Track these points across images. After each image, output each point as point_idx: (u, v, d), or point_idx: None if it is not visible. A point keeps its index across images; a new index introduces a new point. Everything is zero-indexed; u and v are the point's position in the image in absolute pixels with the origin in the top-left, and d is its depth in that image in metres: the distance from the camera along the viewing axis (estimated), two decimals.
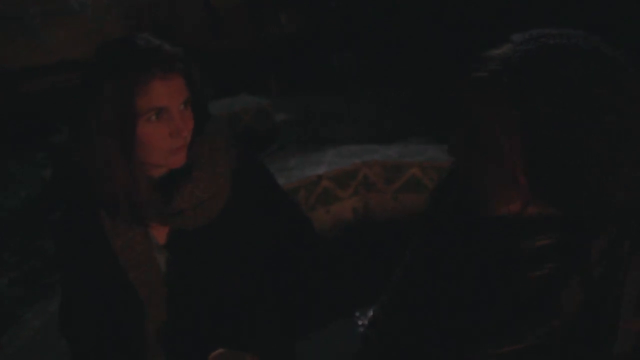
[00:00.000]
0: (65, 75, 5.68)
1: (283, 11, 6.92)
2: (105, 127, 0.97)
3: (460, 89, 0.73)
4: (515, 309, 0.72)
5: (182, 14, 6.88)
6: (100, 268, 1.10)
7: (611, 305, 0.67)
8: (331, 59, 6.84)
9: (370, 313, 0.96)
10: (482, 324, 0.74)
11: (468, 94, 0.71)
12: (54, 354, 2.25)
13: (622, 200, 0.66)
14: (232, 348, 1.01)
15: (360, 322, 2.80)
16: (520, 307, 0.72)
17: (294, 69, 6.63)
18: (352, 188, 3.45)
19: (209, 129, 1.12)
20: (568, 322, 0.69)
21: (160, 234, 1.12)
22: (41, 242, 3.32)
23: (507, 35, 0.71)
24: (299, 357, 1.29)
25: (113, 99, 0.96)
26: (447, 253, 0.81)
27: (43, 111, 5.21)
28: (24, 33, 6.09)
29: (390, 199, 3.43)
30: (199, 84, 1.07)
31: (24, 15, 6.08)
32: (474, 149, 0.72)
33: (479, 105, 0.70)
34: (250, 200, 1.15)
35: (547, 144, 0.65)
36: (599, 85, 0.64)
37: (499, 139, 0.68)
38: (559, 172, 0.66)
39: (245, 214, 1.14)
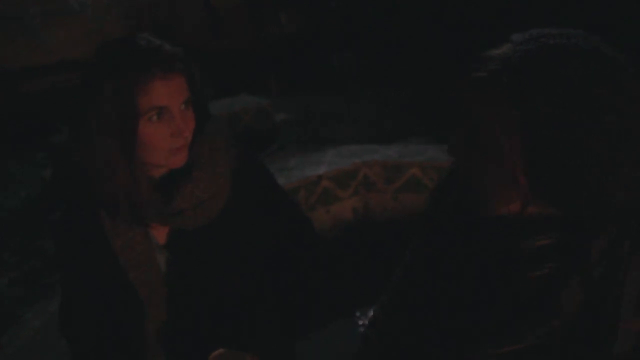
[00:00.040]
0: (65, 75, 5.68)
1: (283, 11, 6.92)
2: (105, 127, 0.97)
3: (460, 89, 0.73)
4: (515, 309, 0.72)
5: (182, 14, 6.88)
6: (100, 268, 1.10)
7: (611, 305, 0.67)
8: (331, 59, 6.84)
9: (371, 313, 0.96)
10: (482, 324, 0.74)
11: (468, 94, 0.71)
12: (54, 354, 2.25)
13: (622, 200, 0.66)
14: (232, 348, 1.01)
15: (360, 322, 2.80)
16: (520, 307, 0.72)
17: (294, 69, 6.63)
18: (352, 188, 3.45)
19: (209, 129, 1.12)
20: (568, 322, 0.69)
21: (160, 234, 1.12)
22: (41, 242, 3.32)
23: (507, 35, 0.71)
24: (299, 357, 1.29)
25: (113, 99, 0.96)
26: (447, 253, 0.81)
27: (43, 111, 5.21)
28: (24, 33, 6.09)
29: (390, 198, 3.43)
30: (199, 84, 1.07)
31: (24, 15, 6.08)
32: (474, 149, 0.72)
33: (479, 105, 0.70)
34: (250, 200, 1.15)
35: (547, 144, 0.65)
36: (599, 85, 0.64)
37: (499, 139, 0.68)
38: (559, 172, 0.66)
39: (245, 214, 1.14)
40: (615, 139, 0.64)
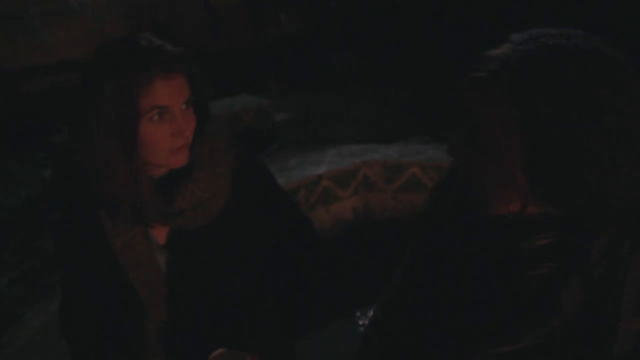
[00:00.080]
0: (65, 75, 5.68)
1: (283, 11, 6.92)
2: (106, 127, 0.97)
3: (460, 89, 0.73)
4: (515, 309, 0.72)
5: (182, 14, 6.88)
6: (100, 268, 1.10)
7: (611, 305, 0.67)
8: (331, 59, 6.84)
9: (370, 313, 0.96)
10: (482, 323, 0.74)
11: (468, 94, 0.71)
12: (54, 354, 2.25)
13: (622, 200, 0.67)
14: (232, 348, 1.01)
15: (360, 322, 2.80)
16: (520, 307, 0.72)
17: (294, 69, 6.63)
18: (352, 188, 3.45)
19: (209, 129, 1.12)
20: (568, 322, 0.69)
21: (160, 234, 1.12)
22: (41, 242, 3.32)
23: (507, 35, 0.71)
24: (299, 357, 1.29)
25: (114, 99, 0.96)
26: (447, 253, 0.81)
27: (43, 111, 5.21)
28: (24, 33, 6.09)
29: (391, 198, 3.43)
30: (200, 84, 1.07)
31: (24, 15, 6.08)
32: (474, 149, 0.72)
33: (479, 105, 0.70)
34: (250, 200, 1.15)
35: (547, 144, 0.65)
36: (599, 85, 0.64)
37: (499, 139, 0.68)
38: (559, 172, 0.66)
39: (245, 213, 1.14)
40: (615, 139, 0.64)
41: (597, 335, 0.68)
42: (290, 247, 1.23)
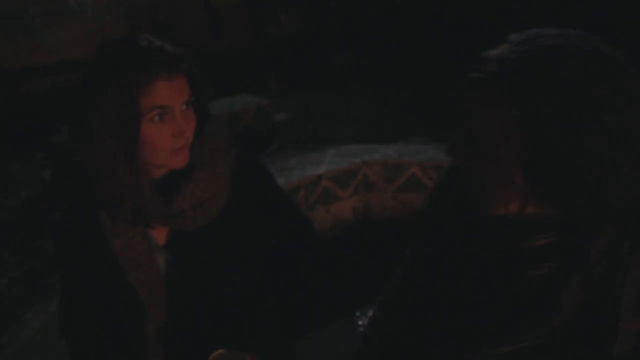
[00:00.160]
0: (65, 75, 5.67)
1: (283, 11, 6.92)
2: (107, 127, 0.97)
3: (460, 89, 0.73)
4: (515, 309, 0.72)
5: (182, 14, 6.88)
6: (100, 268, 1.10)
7: (611, 305, 0.67)
8: (331, 59, 6.84)
9: (370, 313, 0.96)
10: (482, 323, 0.74)
11: (468, 94, 0.71)
12: (54, 354, 2.24)
13: (622, 200, 0.66)
14: (232, 348, 1.01)
15: (360, 322, 2.80)
16: (520, 307, 0.72)
17: (294, 69, 6.62)
18: (352, 187, 3.45)
19: (209, 129, 1.12)
20: (568, 322, 0.69)
21: (159, 235, 1.12)
22: (41, 242, 3.32)
23: (506, 36, 0.71)
24: (299, 357, 1.29)
25: (114, 99, 0.96)
26: (447, 253, 0.81)
27: (43, 111, 5.20)
28: (24, 33, 6.09)
29: (391, 198, 3.43)
30: (200, 84, 1.07)
31: (24, 15, 6.08)
32: (474, 149, 0.72)
33: (479, 105, 0.70)
34: (250, 200, 1.15)
35: (547, 144, 0.65)
36: (599, 85, 0.64)
37: (498, 138, 0.68)
38: (559, 172, 0.66)
39: (245, 214, 1.14)
40: (615, 139, 0.64)
41: (597, 335, 0.68)
42: (290, 247, 1.23)
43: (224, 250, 1.12)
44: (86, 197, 1.08)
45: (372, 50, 6.59)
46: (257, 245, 1.17)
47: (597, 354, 0.68)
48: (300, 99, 5.86)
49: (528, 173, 0.68)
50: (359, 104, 5.58)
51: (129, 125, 0.97)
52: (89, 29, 6.27)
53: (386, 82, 5.97)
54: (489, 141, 0.69)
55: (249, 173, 1.16)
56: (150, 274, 1.10)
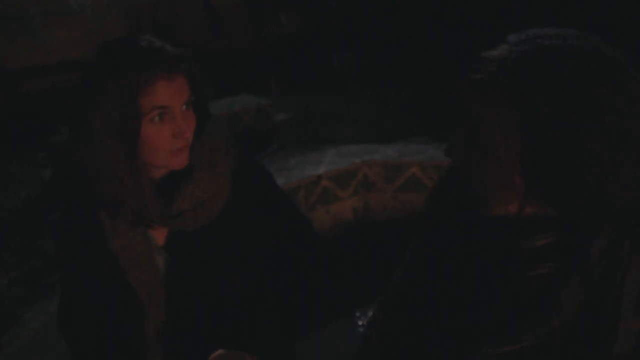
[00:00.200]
0: (65, 75, 5.67)
1: (283, 11, 6.92)
2: (107, 127, 0.97)
3: (460, 89, 0.73)
4: (515, 309, 0.72)
5: (182, 14, 6.88)
6: (100, 268, 1.10)
7: (611, 305, 0.67)
8: (331, 59, 6.84)
9: (370, 313, 0.96)
10: (482, 323, 0.74)
11: (468, 94, 0.71)
12: (54, 354, 2.24)
13: (622, 200, 0.66)
14: (232, 348, 1.01)
15: (360, 322, 2.80)
16: (520, 307, 0.72)
17: (294, 69, 6.62)
18: (352, 188, 3.45)
19: (209, 129, 1.12)
20: (568, 322, 0.69)
21: (159, 235, 1.12)
22: (41, 242, 3.32)
23: (505, 36, 0.72)
24: (299, 357, 1.29)
25: (114, 99, 0.96)
26: (447, 253, 0.81)
27: (43, 111, 5.20)
28: (24, 33, 6.08)
29: (390, 198, 3.43)
30: (200, 84, 1.07)
31: (24, 15, 6.08)
32: (473, 149, 0.72)
33: (479, 106, 0.70)
34: (250, 201, 1.15)
35: (547, 144, 0.65)
36: (599, 85, 0.64)
37: (498, 139, 0.68)
38: (559, 172, 0.66)
39: (245, 214, 1.14)
40: (615, 139, 0.64)
41: (597, 335, 0.68)
42: (290, 247, 1.23)
43: (223, 251, 1.12)
44: (86, 197, 1.08)
45: (372, 50, 6.59)
46: (257, 245, 1.17)
47: (597, 354, 0.68)
48: (300, 99, 5.86)
49: (528, 173, 0.68)
50: (359, 104, 5.58)
51: (129, 125, 0.97)
52: (89, 29, 6.27)
53: (386, 82, 5.97)
54: (489, 141, 0.69)
55: (249, 173, 1.16)
56: (150, 274, 1.10)
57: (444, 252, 0.82)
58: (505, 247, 0.74)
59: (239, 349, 1.02)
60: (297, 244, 1.24)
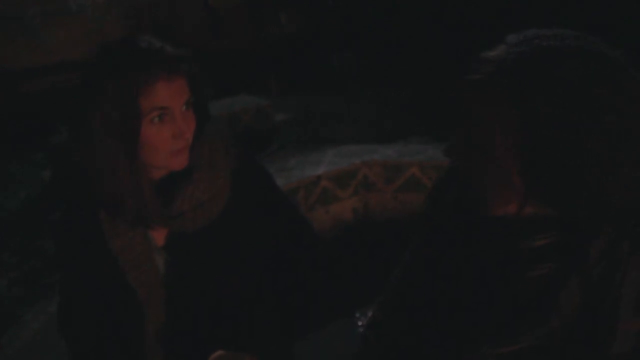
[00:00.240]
0: (65, 75, 5.67)
1: (283, 11, 6.92)
2: (107, 127, 0.97)
3: (460, 89, 0.73)
4: (514, 310, 0.72)
5: (182, 14, 6.88)
6: (100, 268, 1.10)
7: (610, 306, 0.67)
8: (331, 59, 6.83)
9: (370, 314, 0.96)
10: (481, 324, 0.74)
11: (468, 94, 0.71)
12: (54, 355, 2.24)
13: (622, 200, 0.66)
14: (231, 349, 1.01)
15: (360, 323, 2.80)
16: (519, 307, 0.72)
17: (294, 69, 6.62)
18: (351, 188, 3.45)
19: (208, 129, 1.12)
20: (567, 323, 0.69)
21: (158, 236, 1.11)
22: (41, 243, 3.32)
23: (503, 37, 0.72)
24: (298, 358, 1.29)
25: (114, 99, 0.96)
26: (446, 253, 0.81)
27: (43, 111, 5.20)
28: (24, 33, 6.09)
29: (390, 198, 3.43)
30: (200, 85, 1.07)
31: (24, 16, 6.08)
32: (473, 149, 0.72)
33: (478, 106, 0.70)
34: (249, 201, 1.15)
35: (547, 144, 0.65)
36: (599, 85, 0.64)
37: (498, 139, 0.68)
38: (559, 172, 0.66)
39: (245, 214, 1.14)
40: (615, 139, 0.64)
41: (596, 336, 0.68)
42: (290, 248, 1.23)
43: (223, 251, 1.12)
44: (86, 197, 1.08)
45: (372, 50, 6.59)
46: (257, 246, 1.17)
47: (596, 355, 0.68)
48: (300, 99, 5.86)
49: (528, 173, 0.68)
50: (359, 104, 5.58)
51: (129, 125, 0.97)
52: (89, 29, 6.27)
53: (386, 82, 5.97)
54: (488, 141, 0.69)
55: (248, 173, 1.16)
56: (150, 275, 1.10)
57: (443, 253, 0.82)
58: (505, 248, 0.74)
59: (238, 350, 1.02)
60: (297, 244, 1.24)
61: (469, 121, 0.72)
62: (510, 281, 0.73)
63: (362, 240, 3.42)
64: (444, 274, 0.81)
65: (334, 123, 5.12)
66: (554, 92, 0.64)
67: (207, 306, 1.12)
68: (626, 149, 0.65)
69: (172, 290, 1.11)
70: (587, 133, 0.64)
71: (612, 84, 0.64)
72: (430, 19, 5.95)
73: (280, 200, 1.23)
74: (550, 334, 0.69)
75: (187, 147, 1.04)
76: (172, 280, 1.11)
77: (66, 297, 1.20)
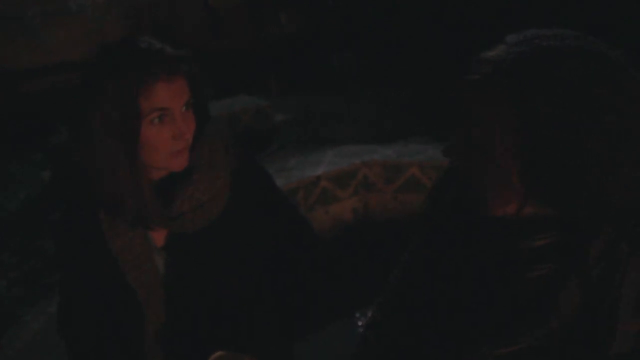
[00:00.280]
0: (65, 75, 5.67)
1: (283, 11, 6.92)
2: (107, 127, 0.97)
3: (460, 89, 0.73)
4: (514, 311, 0.72)
5: (182, 14, 6.88)
6: (100, 268, 1.10)
7: (609, 307, 0.67)
8: (331, 59, 6.83)
9: (369, 314, 0.96)
10: (480, 325, 0.74)
11: (468, 94, 0.71)
12: (54, 355, 2.24)
13: (622, 200, 0.66)
14: (231, 350, 1.01)
15: (359, 323, 2.80)
16: (519, 308, 0.71)
17: (294, 69, 6.62)
18: (351, 188, 3.45)
19: (208, 130, 1.12)
20: (566, 323, 0.69)
21: (158, 236, 1.11)
22: (41, 243, 3.32)
23: (503, 37, 0.71)
24: (298, 358, 1.29)
25: (114, 99, 0.96)
26: (446, 254, 0.81)
27: (43, 111, 5.20)
28: (23, 33, 6.09)
29: (390, 198, 3.43)
30: (200, 86, 1.07)
31: (24, 16, 6.08)
32: (473, 149, 0.72)
33: (478, 106, 0.70)
34: (249, 201, 1.15)
35: (547, 144, 0.65)
36: (599, 85, 0.64)
37: (498, 139, 0.68)
38: (558, 172, 0.66)
39: (245, 215, 1.14)
40: (615, 139, 0.64)
41: (596, 336, 0.68)
42: (289, 249, 1.23)
43: (222, 252, 1.12)
44: (86, 197, 1.08)
45: (372, 50, 6.59)
46: (256, 246, 1.17)
47: (596, 356, 0.67)
48: (300, 99, 5.85)
49: (528, 173, 0.68)
50: (359, 104, 5.58)
51: (129, 125, 0.97)
52: (89, 29, 6.27)
53: (386, 82, 5.96)
54: (488, 141, 0.69)
55: (248, 174, 1.16)
56: (150, 276, 1.10)
57: (442, 253, 0.82)
58: (504, 248, 0.74)
59: (237, 351, 1.02)
60: (296, 245, 1.24)
61: (469, 121, 0.71)
62: (510, 282, 0.73)
63: (362, 240, 3.42)
64: (443, 274, 0.81)
65: (334, 123, 5.11)
66: (554, 92, 0.64)
67: (207, 307, 1.12)
68: (626, 149, 0.64)
69: (171, 290, 1.11)
70: (587, 133, 0.64)
71: (612, 84, 0.64)
72: (430, 19, 5.95)
73: (280, 201, 1.23)
74: (549, 335, 0.69)
75: (187, 148, 1.04)
76: (171, 280, 1.11)
77: (66, 298, 1.20)
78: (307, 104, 5.61)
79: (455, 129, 0.75)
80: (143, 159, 1.02)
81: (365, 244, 3.38)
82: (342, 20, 6.82)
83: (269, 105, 4.79)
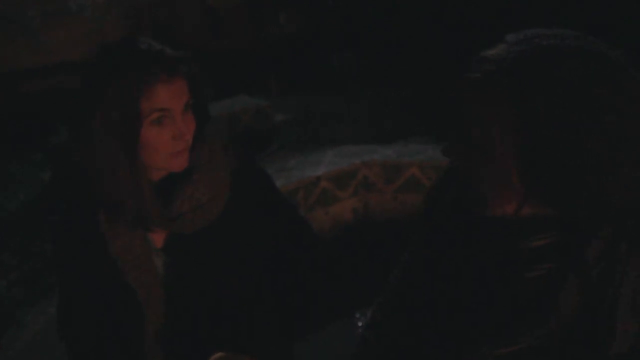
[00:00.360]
0: (65, 75, 5.67)
1: (283, 11, 6.92)
2: (107, 127, 0.97)
3: (460, 89, 0.73)
4: (513, 311, 0.72)
5: (182, 14, 6.88)
6: (100, 269, 1.10)
7: (609, 307, 0.67)
8: (331, 59, 6.84)
9: (369, 314, 0.96)
10: (480, 325, 0.74)
11: (467, 94, 0.71)
12: (54, 355, 2.24)
13: (622, 200, 0.66)
14: (231, 350, 1.01)
15: (359, 324, 2.80)
16: (518, 308, 0.71)
17: (294, 69, 6.62)
18: (351, 188, 3.45)
19: (208, 130, 1.13)
20: (566, 323, 0.69)
21: (157, 237, 1.11)
22: (41, 243, 3.32)
23: (503, 36, 0.71)
24: (298, 358, 1.29)
25: (114, 99, 0.96)
26: (445, 254, 0.81)
27: (43, 111, 5.20)
28: (23, 34, 6.09)
29: (390, 199, 3.43)
30: (200, 87, 1.07)
31: (24, 16, 6.08)
32: (473, 149, 0.72)
33: (478, 105, 0.70)
34: (249, 202, 1.15)
35: (547, 144, 0.65)
36: (599, 85, 0.64)
37: (498, 138, 0.68)
38: (558, 172, 0.66)
39: (244, 215, 1.14)
40: (615, 139, 0.64)
41: (595, 336, 0.68)
42: (289, 249, 1.23)
43: (222, 252, 1.12)
44: (86, 198, 1.08)
45: (372, 50, 6.59)
46: (256, 246, 1.17)
47: (595, 356, 0.67)
48: (300, 99, 5.86)
49: (528, 173, 0.68)
50: (359, 104, 5.58)
51: (129, 125, 0.97)
52: (89, 30, 6.27)
53: (386, 82, 5.97)
54: (488, 141, 0.69)
55: (248, 174, 1.16)
56: (149, 276, 1.10)
57: (442, 253, 0.82)
58: (504, 248, 0.74)
59: (237, 351, 1.01)
60: (296, 245, 1.24)
61: (469, 121, 0.71)
62: (510, 282, 0.73)
63: (362, 240, 3.42)
64: (443, 274, 0.81)
65: (334, 123, 5.12)
66: (554, 91, 0.64)
67: (207, 307, 1.12)
68: (626, 149, 0.64)
69: (171, 290, 1.11)
70: (587, 133, 0.63)
71: (612, 84, 0.64)
72: (430, 19, 5.95)
73: (279, 201, 1.23)
74: (549, 335, 0.69)
75: (187, 149, 1.05)
76: (171, 280, 1.11)
77: (66, 298, 1.20)
78: (307, 104, 5.61)
79: (455, 128, 0.75)
80: (143, 160, 1.02)
81: (365, 244, 3.38)
82: (342, 20, 6.83)
83: (269, 105, 4.80)
